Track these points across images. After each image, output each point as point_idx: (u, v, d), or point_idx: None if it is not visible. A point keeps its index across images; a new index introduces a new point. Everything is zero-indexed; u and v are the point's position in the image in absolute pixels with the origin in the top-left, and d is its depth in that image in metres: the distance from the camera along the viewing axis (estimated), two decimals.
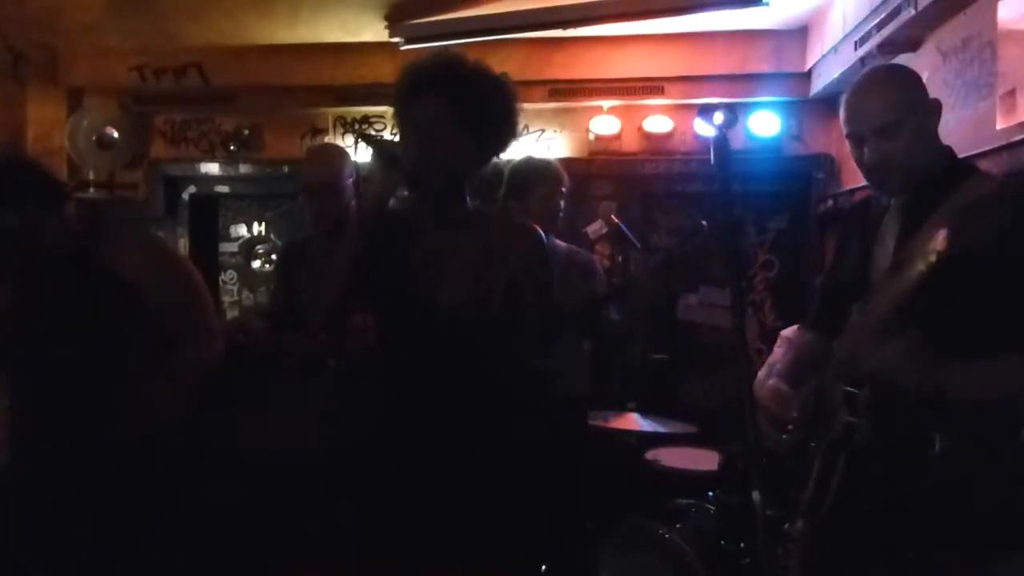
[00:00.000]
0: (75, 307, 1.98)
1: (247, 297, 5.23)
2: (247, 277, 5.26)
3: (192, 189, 5.08)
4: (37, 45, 4.41)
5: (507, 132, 1.88)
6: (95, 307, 1.98)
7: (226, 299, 5.22)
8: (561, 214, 2.94)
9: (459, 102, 1.77)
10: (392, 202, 1.83)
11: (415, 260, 1.83)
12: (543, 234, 1.93)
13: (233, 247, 5.29)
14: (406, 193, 1.87)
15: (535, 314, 1.84)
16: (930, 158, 1.72)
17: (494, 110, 1.83)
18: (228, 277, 5.27)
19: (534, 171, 2.92)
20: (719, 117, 1.24)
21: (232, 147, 4.84)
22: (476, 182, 1.92)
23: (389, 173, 1.75)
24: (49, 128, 4.51)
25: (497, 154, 1.91)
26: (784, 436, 1.84)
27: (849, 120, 1.75)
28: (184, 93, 4.64)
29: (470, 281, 1.79)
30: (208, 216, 5.23)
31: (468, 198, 1.90)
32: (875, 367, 1.59)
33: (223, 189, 5.13)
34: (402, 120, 1.85)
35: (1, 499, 2.08)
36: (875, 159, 1.71)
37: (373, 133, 4.60)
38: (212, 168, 4.95)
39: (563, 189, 2.93)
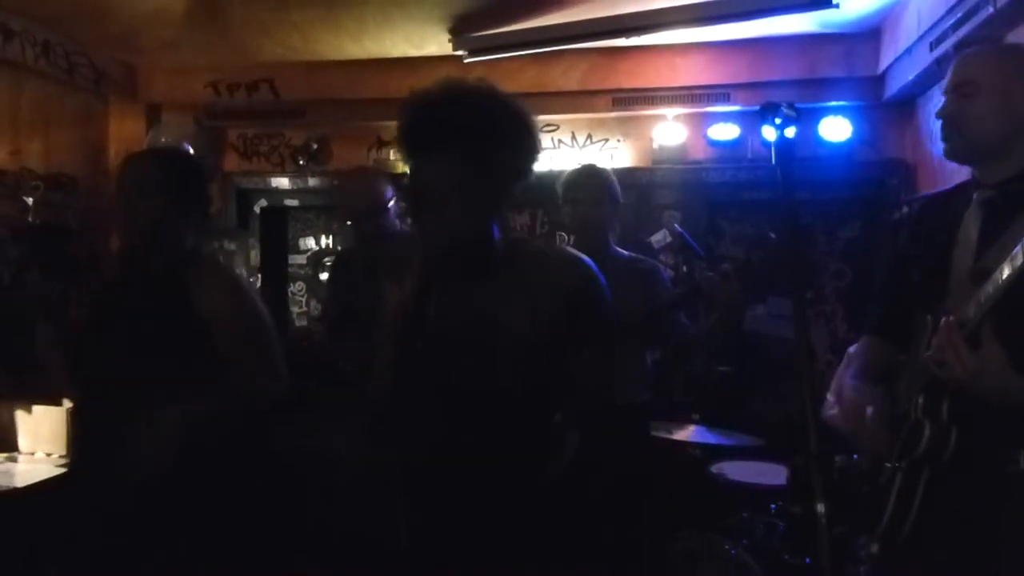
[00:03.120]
0: (153, 329, 2.04)
1: (315, 308, 5.33)
2: (315, 288, 5.36)
3: (263, 202, 5.22)
4: (118, 63, 4.60)
5: (526, 158, 1.65)
6: (170, 333, 2.03)
7: (295, 310, 5.33)
8: (606, 221, 2.89)
9: (463, 157, 1.55)
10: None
11: (440, 311, 1.69)
12: (593, 265, 1.73)
13: (301, 259, 5.41)
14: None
15: (587, 356, 1.69)
16: (1011, 138, 1.64)
17: (507, 146, 1.61)
18: (296, 288, 5.39)
19: (574, 179, 2.91)
20: (781, 114, 1.19)
21: (301, 161, 4.96)
22: (503, 214, 1.72)
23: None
24: (129, 143, 4.67)
25: (521, 180, 1.68)
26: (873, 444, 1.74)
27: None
28: (256, 108, 4.78)
29: (501, 325, 1.64)
30: (278, 228, 5.36)
31: (496, 233, 1.71)
32: (970, 373, 1.49)
33: (292, 202, 5.26)
34: (411, 184, 1.64)
35: (64, 497, 2.17)
36: (944, 113, 1.69)
37: None
38: (282, 182, 5.08)
39: (603, 196, 2.88)
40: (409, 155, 1.63)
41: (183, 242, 2.13)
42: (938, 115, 1.73)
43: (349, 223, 3.01)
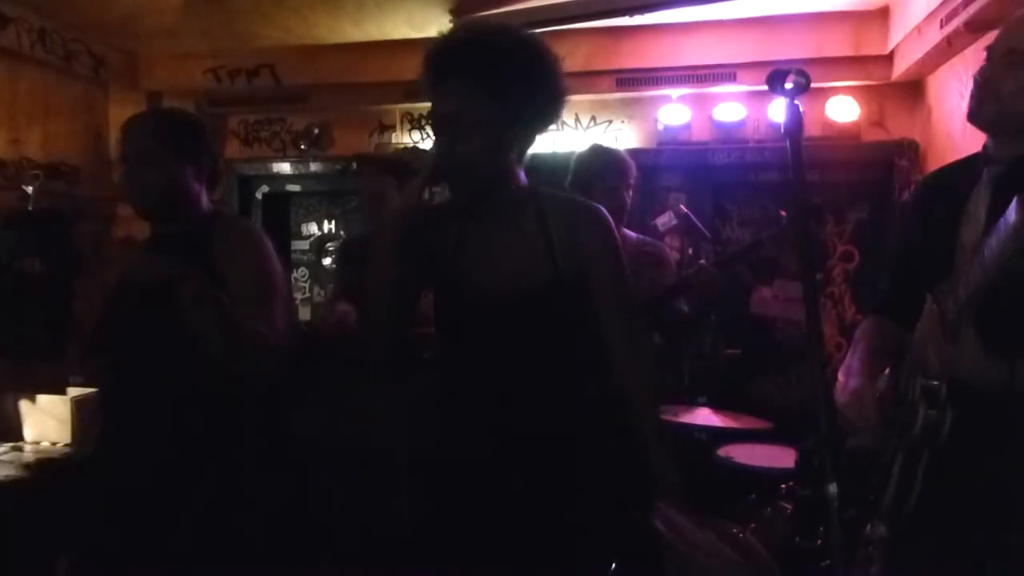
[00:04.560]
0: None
1: (318, 293, 5.32)
2: (318, 274, 5.34)
3: (265, 188, 5.19)
4: (118, 50, 4.56)
5: (547, 97, 1.69)
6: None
7: (298, 296, 5.31)
8: (628, 205, 2.87)
9: (479, 83, 1.59)
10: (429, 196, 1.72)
11: (460, 251, 1.71)
12: (607, 216, 1.78)
13: (304, 245, 5.38)
14: (434, 193, 1.72)
15: (609, 301, 1.72)
16: None
17: (524, 79, 1.63)
18: (300, 274, 5.37)
19: (599, 161, 2.87)
20: (791, 82, 1.15)
21: (302, 146, 4.92)
22: (523, 157, 1.74)
23: (406, 185, 1.67)
24: None
25: (544, 122, 1.72)
26: (871, 437, 1.72)
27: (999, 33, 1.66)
28: (257, 94, 4.74)
29: (523, 266, 1.66)
30: (280, 214, 5.33)
31: (519, 177, 1.74)
32: (946, 364, 1.48)
33: (294, 188, 5.23)
34: (431, 112, 1.71)
35: (90, 480, 2.16)
36: (982, 78, 1.62)
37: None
38: (284, 167, 5.05)
39: (630, 180, 2.87)
40: (431, 84, 1.66)
41: (199, 200, 2.10)
42: (977, 76, 1.66)
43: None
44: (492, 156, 1.66)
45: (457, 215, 1.74)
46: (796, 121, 1.15)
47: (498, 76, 1.60)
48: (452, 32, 1.69)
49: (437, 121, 1.66)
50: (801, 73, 1.18)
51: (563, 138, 4.47)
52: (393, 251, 1.66)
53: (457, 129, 1.62)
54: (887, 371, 1.78)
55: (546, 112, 1.70)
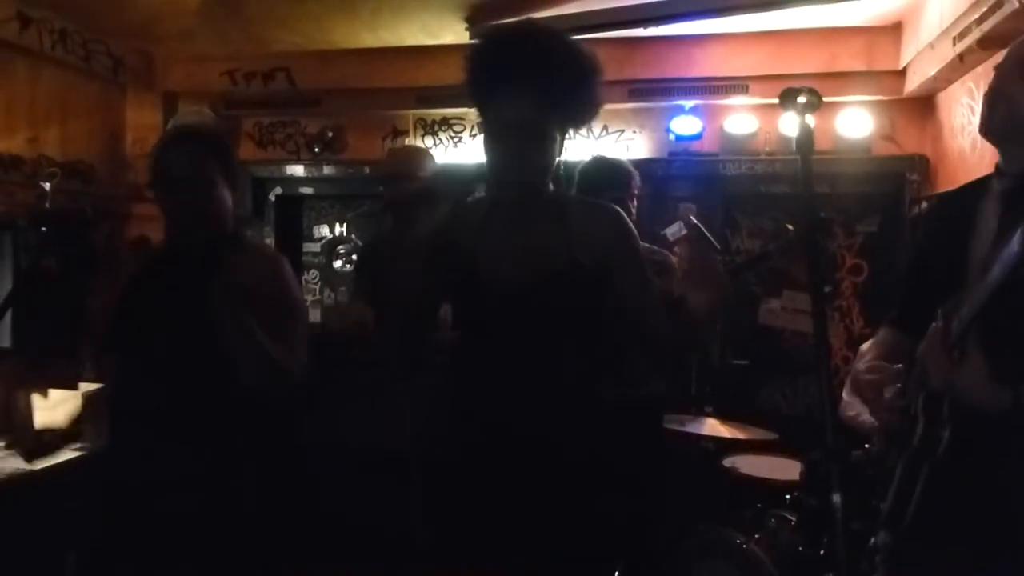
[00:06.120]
0: (195, 302, 2.03)
1: (328, 296, 5.34)
2: (329, 277, 5.37)
3: (278, 190, 5.23)
4: (135, 52, 4.61)
5: (592, 107, 1.75)
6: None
7: (308, 298, 5.34)
8: (633, 215, 2.89)
9: (545, 93, 1.64)
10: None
11: (481, 245, 1.74)
12: (622, 212, 1.82)
13: (316, 247, 5.42)
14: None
15: (633, 290, 1.75)
16: None
17: (579, 88, 1.69)
18: (311, 276, 5.40)
19: (604, 172, 2.89)
20: (803, 100, 1.16)
21: (316, 149, 4.96)
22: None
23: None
24: (146, 132, 4.70)
25: (579, 129, 1.80)
26: (894, 411, 1.72)
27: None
28: (272, 97, 4.79)
29: (540, 256, 1.69)
30: (293, 216, 5.37)
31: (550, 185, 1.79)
32: (948, 383, 1.50)
33: (307, 190, 5.26)
34: (485, 115, 1.73)
35: (100, 483, 2.18)
36: (993, 87, 1.64)
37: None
38: (297, 170, 5.09)
39: (634, 191, 2.89)
40: (488, 89, 1.69)
41: (228, 221, 2.12)
42: (987, 90, 1.68)
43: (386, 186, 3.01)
44: (552, 162, 1.72)
45: (488, 213, 1.78)
46: (807, 139, 1.17)
47: (561, 85, 1.64)
48: (506, 35, 1.71)
49: (503, 128, 1.67)
50: (813, 92, 1.20)
51: (575, 147, 4.46)
52: (435, 256, 1.76)
53: (522, 137, 1.65)
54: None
55: (586, 120, 1.78)
